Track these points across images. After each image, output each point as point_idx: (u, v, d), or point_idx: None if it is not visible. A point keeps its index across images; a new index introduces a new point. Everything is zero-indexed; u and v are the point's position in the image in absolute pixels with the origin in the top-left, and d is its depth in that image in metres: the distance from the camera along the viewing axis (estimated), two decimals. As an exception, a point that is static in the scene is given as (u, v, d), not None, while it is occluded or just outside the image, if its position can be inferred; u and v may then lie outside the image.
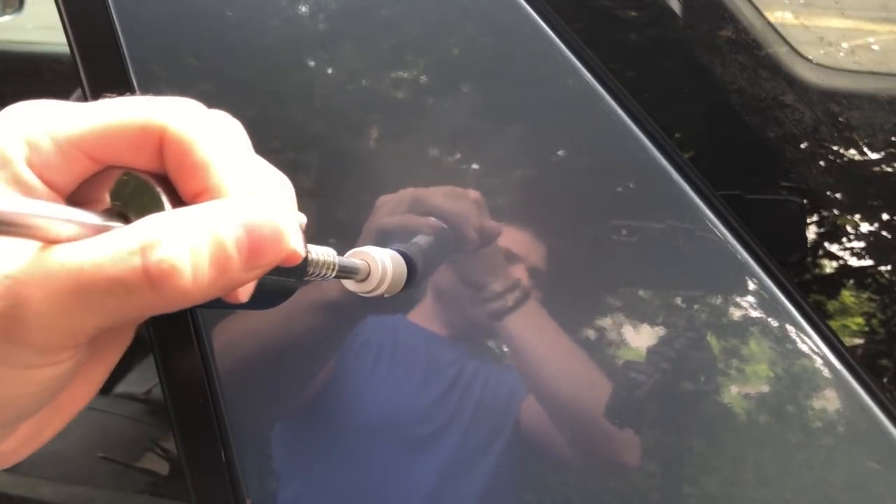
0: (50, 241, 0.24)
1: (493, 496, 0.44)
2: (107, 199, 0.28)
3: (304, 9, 0.50)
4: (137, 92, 0.51)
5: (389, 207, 0.46)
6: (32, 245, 0.25)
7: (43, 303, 0.24)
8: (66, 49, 0.53)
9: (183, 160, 0.27)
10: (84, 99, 0.53)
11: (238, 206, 0.26)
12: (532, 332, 0.43)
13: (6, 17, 1.62)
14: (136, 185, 0.27)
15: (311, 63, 0.49)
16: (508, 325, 0.44)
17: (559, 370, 0.43)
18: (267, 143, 0.50)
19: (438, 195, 0.46)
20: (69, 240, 0.24)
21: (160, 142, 0.28)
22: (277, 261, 0.27)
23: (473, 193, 0.45)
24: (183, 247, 0.24)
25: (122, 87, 0.51)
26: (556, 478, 0.43)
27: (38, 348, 0.25)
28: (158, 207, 0.27)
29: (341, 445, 0.46)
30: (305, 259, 0.35)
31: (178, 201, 0.28)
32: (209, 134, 0.28)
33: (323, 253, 0.37)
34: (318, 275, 0.36)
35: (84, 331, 0.25)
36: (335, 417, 0.47)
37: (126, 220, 0.26)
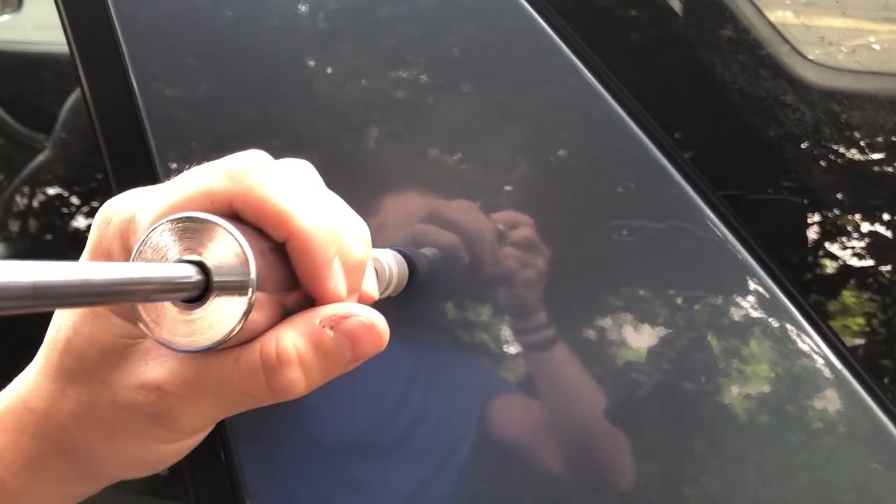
0: (147, 300, 0.27)
1: (464, 497, 0.44)
2: None
3: (303, 9, 0.50)
4: (137, 93, 0.50)
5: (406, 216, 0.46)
6: (174, 356, 0.30)
7: (188, 408, 0.30)
8: (66, 49, 0.53)
9: (259, 216, 0.29)
10: (83, 99, 0.53)
11: (343, 311, 0.30)
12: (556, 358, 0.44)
13: (5, 17, 1.62)
14: (203, 227, 0.27)
15: (311, 63, 0.49)
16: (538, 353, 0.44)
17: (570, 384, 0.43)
18: (267, 143, 0.49)
19: (459, 211, 0.46)
20: (162, 298, 0.27)
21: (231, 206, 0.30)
22: (377, 351, 0.31)
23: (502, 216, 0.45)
24: (298, 367, 0.29)
25: (121, 87, 0.51)
26: (533, 479, 0.43)
27: (182, 432, 0.32)
28: (233, 248, 0.27)
29: (307, 454, 0.46)
30: None
31: (257, 236, 0.29)
32: (279, 186, 0.30)
33: None
34: None
35: (217, 419, 0.32)
36: (304, 427, 0.47)
37: (203, 268, 0.26)
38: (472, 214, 0.45)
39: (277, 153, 0.50)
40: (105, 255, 0.31)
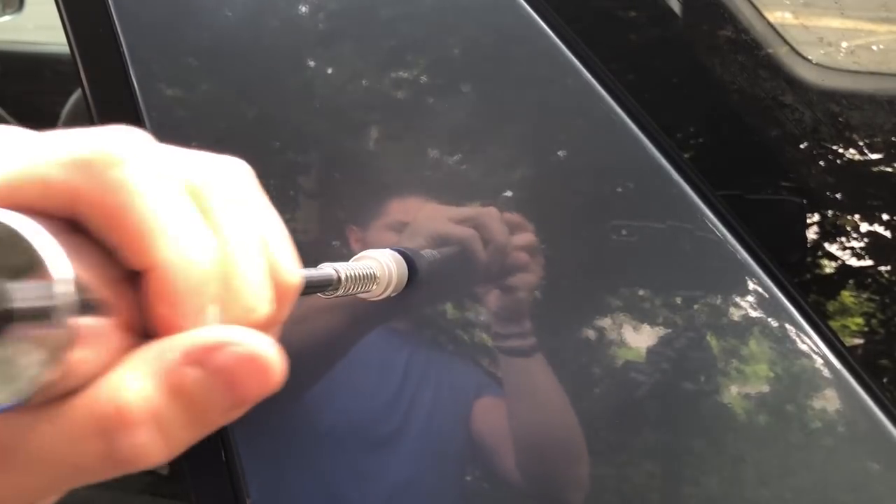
0: None
1: (452, 490, 0.45)
2: None
3: (304, 9, 0.50)
4: (137, 93, 0.51)
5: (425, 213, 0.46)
6: None
7: None
8: (67, 49, 0.53)
9: (111, 231, 0.20)
10: (84, 99, 0.53)
11: (214, 339, 0.21)
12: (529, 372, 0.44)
13: (6, 17, 1.62)
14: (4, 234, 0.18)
15: (311, 63, 0.49)
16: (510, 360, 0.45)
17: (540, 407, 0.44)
18: (267, 143, 0.50)
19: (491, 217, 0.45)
20: None
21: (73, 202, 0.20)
22: (267, 393, 0.22)
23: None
24: (149, 426, 0.20)
25: (121, 87, 0.51)
26: (514, 478, 0.44)
27: None
28: (40, 257, 0.18)
29: (309, 450, 0.47)
30: (339, 280, 0.36)
31: (106, 259, 0.20)
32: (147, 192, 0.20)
33: (355, 268, 0.38)
34: (350, 292, 0.38)
35: (43, 497, 0.21)
36: (302, 421, 0.47)
37: None
38: (472, 215, 0.45)
39: (277, 153, 0.50)
40: None
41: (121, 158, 0.20)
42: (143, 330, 0.21)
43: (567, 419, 0.43)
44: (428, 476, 0.45)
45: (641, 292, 0.43)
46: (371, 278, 0.40)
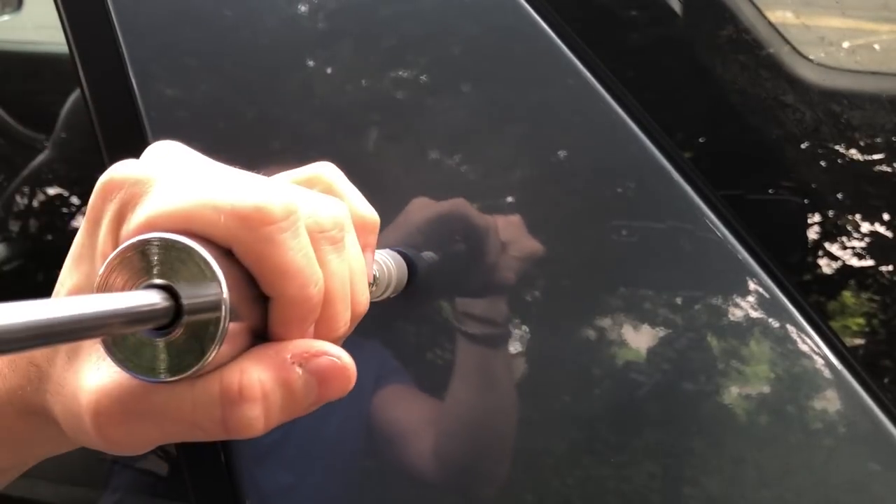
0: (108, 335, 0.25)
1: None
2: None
3: (303, 9, 0.50)
4: (137, 93, 0.50)
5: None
6: (116, 375, 0.27)
7: (122, 430, 0.27)
8: (66, 49, 0.53)
9: (254, 270, 0.27)
10: (83, 99, 0.53)
11: (316, 348, 0.28)
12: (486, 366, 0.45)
13: (5, 17, 1.62)
14: (176, 251, 0.25)
15: (311, 63, 0.49)
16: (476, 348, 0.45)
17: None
18: (267, 144, 0.49)
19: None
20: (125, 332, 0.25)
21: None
22: (341, 395, 0.29)
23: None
24: (260, 405, 0.27)
25: (121, 87, 0.51)
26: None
27: (111, 447, 0.28)
28: (207, 275, 0.25)
29: (309, 454, 0.47)
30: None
31: (233, 265, 0.26)
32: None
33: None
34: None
35: (157, 443, 0.29)
36: (305, 426, 0.48)
37: (172, 294, 0.25)
38: (472, 215, 0.45)
39: (277, 153, 0.50)
40: (94, 226, 0.29)
41: (271, 220, 0.26)
42: (259, 333, 0.28)
43: (508, 417, 0.43)
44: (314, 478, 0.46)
45: (642, 292, 0.42)
46: (372, 279, 0.40)
